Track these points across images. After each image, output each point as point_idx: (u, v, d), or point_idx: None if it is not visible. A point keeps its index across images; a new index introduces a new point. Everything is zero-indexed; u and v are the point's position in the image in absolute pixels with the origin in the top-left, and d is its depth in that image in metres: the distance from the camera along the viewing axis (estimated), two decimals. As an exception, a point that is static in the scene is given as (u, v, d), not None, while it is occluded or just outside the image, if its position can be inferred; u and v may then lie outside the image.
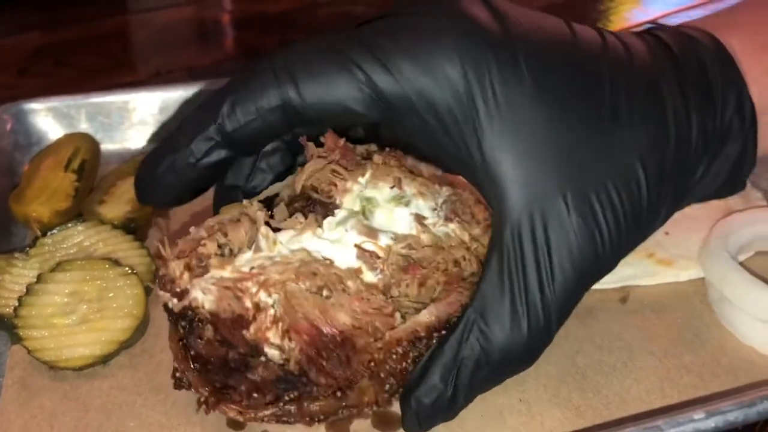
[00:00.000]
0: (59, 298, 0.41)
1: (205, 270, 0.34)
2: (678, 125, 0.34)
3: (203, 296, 0.33)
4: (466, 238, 0.36)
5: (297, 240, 0.35)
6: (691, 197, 0.37)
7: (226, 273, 0.33)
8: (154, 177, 0.35)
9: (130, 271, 0.42)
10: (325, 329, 0.32)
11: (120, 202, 0.50)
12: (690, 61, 0.36)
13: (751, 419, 0.32)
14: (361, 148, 0.39)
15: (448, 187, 0.39)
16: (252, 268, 0.34)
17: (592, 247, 0.32)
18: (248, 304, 0.33)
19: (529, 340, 0.32)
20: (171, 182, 0.35)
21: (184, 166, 0.34)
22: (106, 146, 0.57)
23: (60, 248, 0.45)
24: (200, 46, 0.87)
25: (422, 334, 0.33)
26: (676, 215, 0.48)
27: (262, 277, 0.33)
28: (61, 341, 0.40)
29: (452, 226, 0.36)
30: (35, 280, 0.42)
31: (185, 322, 0.34)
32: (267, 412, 0.34)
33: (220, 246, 0.35)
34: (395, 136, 0.38)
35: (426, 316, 0.33)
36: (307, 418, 0.35)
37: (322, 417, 0.35)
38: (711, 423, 0.31)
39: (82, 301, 0.41)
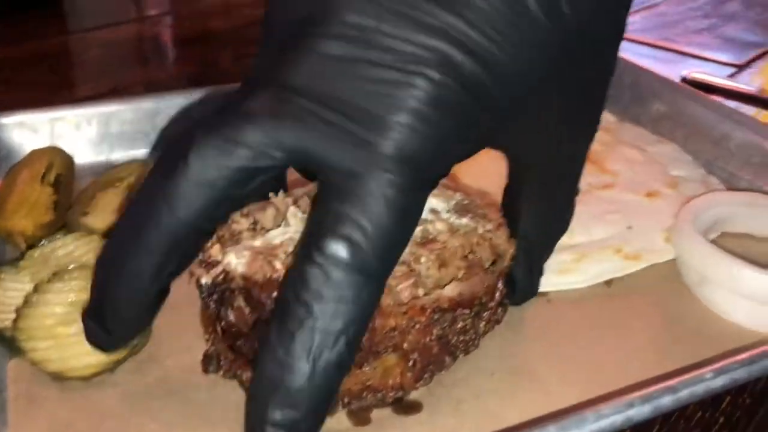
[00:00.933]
0: (60, 308, 0.40)
1: (238, 242, 0.35)
2: None
3: (236, 260, 0.34)
4: (480, 230, 0.38)
5: None
6: None
7: (257, 243, 0.35)
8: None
9: (129, 278, 0.42)
10: None
11: (105, 213, 0.49)
12: None
13: (755, 376, 0.34)
14: None
15: (460, 193, 0.40)
16: (281, 242, 0.35)
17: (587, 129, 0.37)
18: (279, 266, 0.33)
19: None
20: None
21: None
22: (78, 160, 0.56)
23: (51, 259, 0.44)
24: (154, 63, 0.87)
25: (446, 305, 0.34)
26: (634, 209, 0.51)
27: (290, 248, 0.34)
28: (66, 351, 0.39)
29: (465, 220, 0.38)
30: (31, 291, 0.41)
31: (217, 295, 0.34)
32: None
33: (254, 223, 0.36)
34: None
35: (449, 290, 0.35)
36: None
37: (346, 400, 0.35)
38: (719, 381, 0.34)
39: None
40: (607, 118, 0.65)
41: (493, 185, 0.44)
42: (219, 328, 0.35)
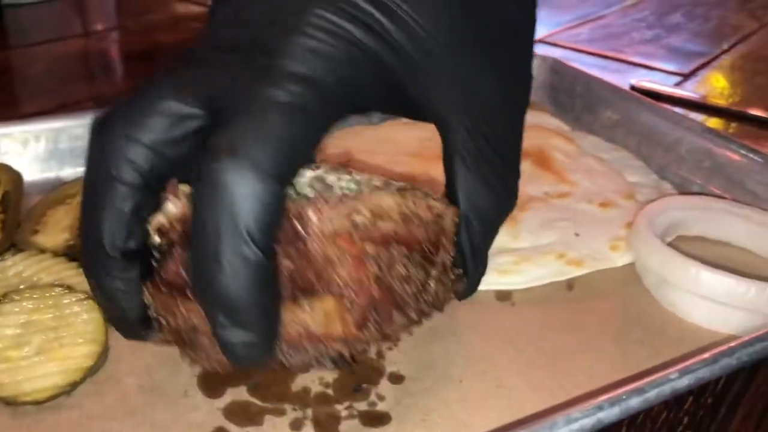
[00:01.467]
0: (10, 330, 0.39)
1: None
2: None
3: (172, 206, 0.33)
4: (419, 195, 0.36)
5: None
6: None
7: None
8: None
9: (85, 297, 0.40)
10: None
11: (56, 231, 0.47)
12: None
13: (716, 375, 0.35)
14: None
15: (407, 183, 0.38)
16: None
17: (508, 89, 0.37)
18: None
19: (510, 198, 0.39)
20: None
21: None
22: (27, 177, 0.54)
23: (0, 280, 0.43)
24: (102, 78, 0.85)
25: (377, 237, 0.33)
26: (586, 217, 0.52)
27: None
28: (19, 374, 0.37)
29: (397, 185, 0.37)
30: (-21, 314, 0.39)
31: (161, 249, 0.33)
32: None
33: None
34: None
35: (383, 225, 0.34)
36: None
37: (285, 348, 0.33)
38: (684, 381, 0.34)
39: (37, 331, 0.39)
40: (560, 126, 0.66)
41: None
42: (161, 284, 0.34)
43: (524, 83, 0.39)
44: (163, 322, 0.34)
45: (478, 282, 0.39)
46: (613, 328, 0.44)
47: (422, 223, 0.35)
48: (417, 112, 0.37)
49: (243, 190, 0.28)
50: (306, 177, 0.37)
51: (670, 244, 0.48)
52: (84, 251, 0.33)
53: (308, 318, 0.33)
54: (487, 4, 0.36)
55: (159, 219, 0.34)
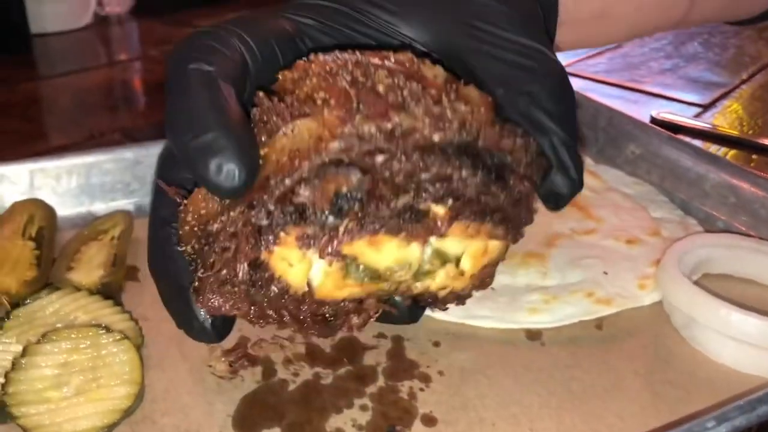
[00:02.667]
0: (49, 370, 0.39)
1: None
2: None
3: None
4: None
5: None
6: None
7: None
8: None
9: (121, 337, 0.41)
10: None
11: (91, 268, 0.48)
12: None
13: (753, 423, 0.35)
14: None
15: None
16: None
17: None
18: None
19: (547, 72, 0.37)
20: None
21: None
22: (59, 212, 0.55)
23: (37, 318, 0.43)
24: (127, 108, 0.86)
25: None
26: (613, 255, 0.52)
27: None
28: (60, 415, 0.38)
29: None
30: (18, 354, 0.40)
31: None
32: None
33: None
34: None
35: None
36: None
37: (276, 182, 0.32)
38: (722, 430, 0.34)
39: (75, 371, 0.40)
40: (585, 161, 0.66)
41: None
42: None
43: None
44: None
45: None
46: (643, 369, 0.44)
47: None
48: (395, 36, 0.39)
49: None
50: None
51: (696, 283, 0.48)
52: None
53: (291, 140, 0.32)
54: None
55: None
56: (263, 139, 0.33)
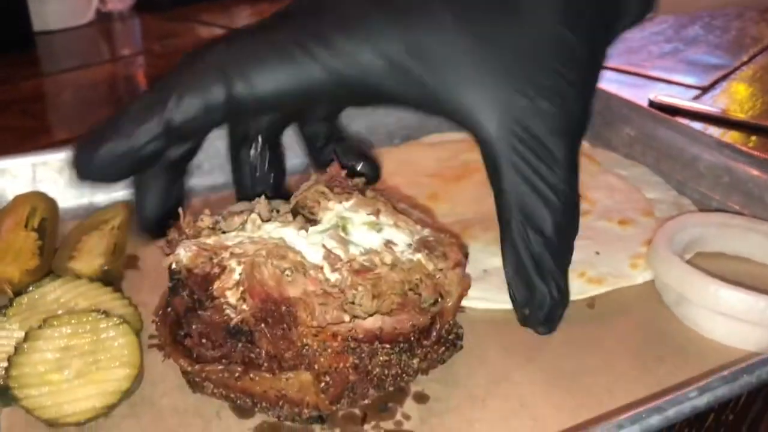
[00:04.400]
0: (51, 354, 0.41)
1: (197, 237, 0.39)
2: None
3: (184, 253, 0.38)
4: (430, 267, 0.39)
5: (279, 231, 0.39)
6: (617, 29, 0.41)
7: (209, 241, 0.38)
8: (92, 158, 0.37)
9: (120, 321, 0.42)
10: (275, 296, 0.36)
11: (91, 257, 0.49)
12: None
13: (736, 393, 0.36)
14: (358, 180, 0.43)
15: (430, 230, 0.41)
16: (232, 244, 0.38)
17: (564, 113, 0.36)
18: (218, 264, 0.37)
19: (566, 206, 0.37)
20: (108, 165, 0.37)
21: (123, 153, 0.37)
22: (61, 204, 0.56)
23: (39, 305, 0.44)
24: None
25: (360, 336, 0.36)
26: (606, 235, 0.53)
27: (238, 250, 0.37)
28: (60, 397, 0.39)
29: (419, 255, 0.39)
30: (21, 339, 0.41)
31: (172, 282, 0.38)
32: (212, 368, 0.37)
33: (216, 222, 0.40)
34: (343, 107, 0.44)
35: (369, 323, 0.36)
36: (244, 398, 0.38)
37: (264, 404, 0.38)
38: (704, 399, 0.35)
39: (75, 355, 0.41)
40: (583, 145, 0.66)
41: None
42: (166, 312, 0.39)
43: (576, 104, 0.38)
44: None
45: (562, 303, 0.39)
46: (634, 346, 0.45)
47: (415, 311, 0.37)
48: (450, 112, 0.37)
49: None
50: (332, 215, 0.40)
51: (689, 261, 0.49)
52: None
53: (284, 385, 0.37)
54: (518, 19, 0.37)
55: (171, 259, 0.38)
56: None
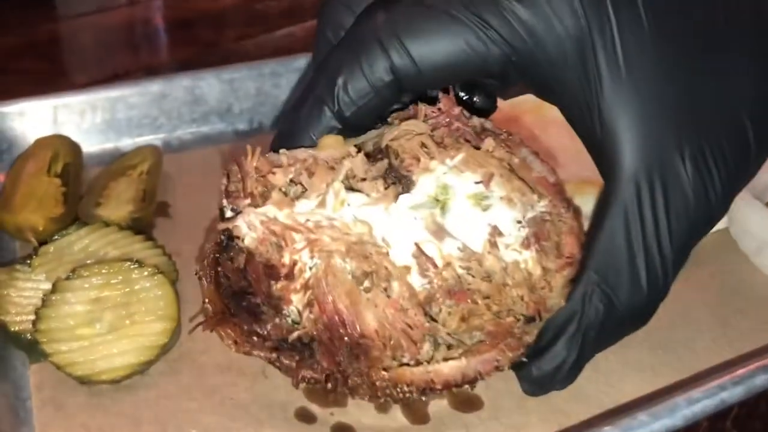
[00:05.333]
0: (81, 306, 0.37)
1: (264, 200, 0.31)
2: None
3: (247, 231, 0.31)
4: (537, 272, 0.32)
5: (366, 210, 0.31)
6: None
7: (281, 215, 0.31)
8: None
9: (155, 271, 0.39)
10: (348, 321, 0.30)
11: (120, 203, 0.46)
12: None
13: None
14: (476, 121, 0.34)
15: (547, 201, 0.33)
16: (308, 221, 0.31)
17: (706, 203, 0.30)
18: (286, 259, 0.30)
19: (649, 297, 0.31)
20: None
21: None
22: (85, 149, 0.53)
23: (65, 255, 0.41)
24: (150, 47, 0.83)
25: (437, 386, 0.31)
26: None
27: (312, 236, 0.31)
28: (93, 353, 0.36)
29: (527, 254, 0.32)
30: (49, 291, 0.38)
31: (225, 237, 0.32)
32: (261, 354, 0.32)
33: (292, 181, 0.32)
34: (511, 83, 0.35)
35: (450, 369, 0.31)
36: (297, 380, 0.33)
37: (312, 383, 0.33)
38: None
39: (108, 307, 0.37)
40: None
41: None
42: (215, 269, 0.33)
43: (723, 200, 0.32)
44: None
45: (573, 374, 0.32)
46: (712, 298, 0.41)
47: (511, 345, 0.32)
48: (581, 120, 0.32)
49: None
50: (431, 180, 0.33)
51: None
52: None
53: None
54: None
55: (230, 225, 0.31)
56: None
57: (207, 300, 0.33)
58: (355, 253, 0.31)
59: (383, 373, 0.31)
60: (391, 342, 0.30)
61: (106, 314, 0.37)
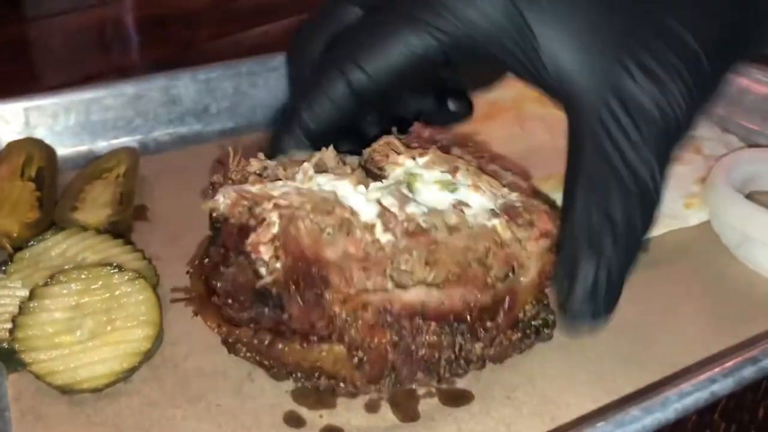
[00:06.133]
0: (60, 313, 0.36)
1: (242, 183, 0.34)
2: None
3: (223, 200, 0.33)
4: (507, 236, 0.33)
5: (333, 184, 0.33)
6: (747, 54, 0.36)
7: (253, 189, 0.33)
8: None
9: (135, 276, 0.38)
10: (309, 256, 0.31)
11: (96, 207, 0.45)
12: None
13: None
14: (444, 137, 0.38)
15: (521, 195, 0.35)
16: (278, 193, 0.33)
17: (668, 109, 0.31)
18: (255, 216, 0.32)
19: (643, 200, 0.32)
20: None
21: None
22: (59, 151, 0.51)
23: (42, 261, 0.40)
24: (122, 47, 0.82)
25: (395, 309, 0.31)
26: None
27: (281, 201, 0.32)
28: (74, 361, 0.35)
29: (496, 221, 0.33)
30: (25, 298, 0.37)
31: (212, 231, 0.34)
32: (241, 331, 0.33)
33: (265, 169, 0.35)
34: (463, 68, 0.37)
35: (410, 294, 0.31)
36: (278, 366, 0.33)
37: (298, 374, 0.33)
38: (799, 348, 0.31)
39: (88, 313, 0.36)
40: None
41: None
42: (202, 264, 0.35)
43: (683, 107, 0.32)
44: None
45: (575, 320, 0.33)
46: (696, 291, 0.41)
47: (480, 286, 0.32)
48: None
49: None
50: (400, 171, 0.35)
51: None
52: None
53: (318, 356, 0.32)
54: None
55: (210, 203, 0.34)
56: None
57: (192, 291, 0.35)
58: (319, 209, 0.32)
59: (347, 293, 0.31)
60: (347, 271, 0.31)
61: (86, 321, 0.36)
